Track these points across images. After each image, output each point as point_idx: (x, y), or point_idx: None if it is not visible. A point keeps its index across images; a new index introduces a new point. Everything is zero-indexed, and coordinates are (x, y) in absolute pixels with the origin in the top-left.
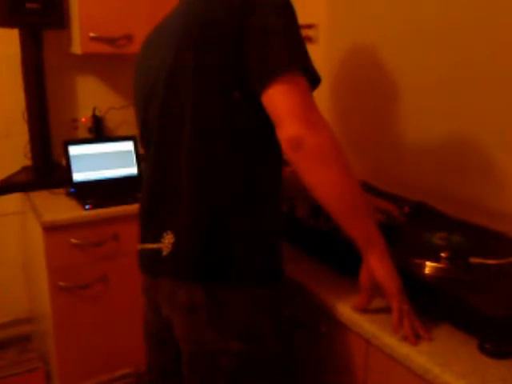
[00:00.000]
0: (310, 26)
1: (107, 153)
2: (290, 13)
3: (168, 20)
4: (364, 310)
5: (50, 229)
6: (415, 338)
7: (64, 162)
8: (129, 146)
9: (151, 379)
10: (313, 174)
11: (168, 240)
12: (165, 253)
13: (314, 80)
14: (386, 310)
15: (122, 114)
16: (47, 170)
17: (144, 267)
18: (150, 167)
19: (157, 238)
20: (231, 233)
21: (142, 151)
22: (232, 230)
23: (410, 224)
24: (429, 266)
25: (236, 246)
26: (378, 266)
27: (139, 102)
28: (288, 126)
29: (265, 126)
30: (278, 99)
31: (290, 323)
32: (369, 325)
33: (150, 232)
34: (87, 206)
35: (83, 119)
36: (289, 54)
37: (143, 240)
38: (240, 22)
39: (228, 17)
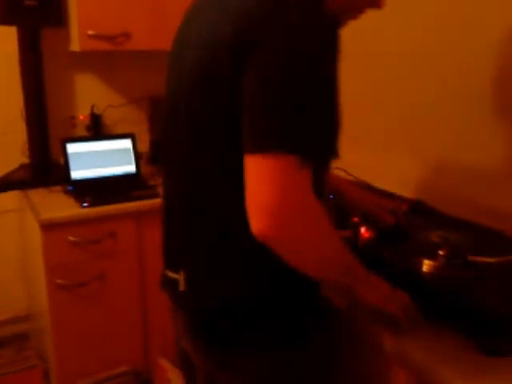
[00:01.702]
0: None
1: (105, 151)
2: (318, 40)
3: (190, 30)
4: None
5: (48, 226)
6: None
7: (62, 160)
8: (127, 143)
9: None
10: (286, 258)
11: (183, 277)
12: (180, 288)
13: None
14: None
15: (121, 111)
16: (45, 167)
17: (166, 291)
18: (163, 185)
19: (175, 268)
20: (236, 297)
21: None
22: (238, 296)
23: (409, 223)
24: (427, 264)
25: (238, 310)
26: (365, 294)
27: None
28: (253, 219)
29: None
30: (253, 176)
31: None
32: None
33: (170, 258)
34: (84, 204)
35: (81, 117)
36: (281, 130)
37: (166, 264)
38: (242, 57)
39: (229, 54)
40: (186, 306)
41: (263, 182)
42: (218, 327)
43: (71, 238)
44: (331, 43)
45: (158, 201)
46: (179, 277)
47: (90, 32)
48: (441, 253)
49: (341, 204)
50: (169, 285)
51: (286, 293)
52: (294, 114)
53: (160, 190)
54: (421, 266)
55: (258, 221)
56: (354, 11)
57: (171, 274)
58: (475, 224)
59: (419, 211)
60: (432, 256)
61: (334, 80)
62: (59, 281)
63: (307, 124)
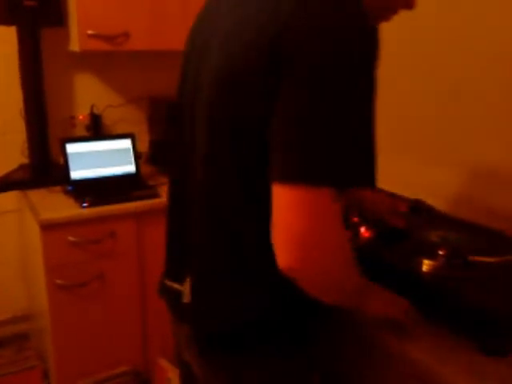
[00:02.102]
0: None
1: (105, 151)
2: (359, 68)
3: (211, 30)
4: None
5: (48, 227)
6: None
7: (61, 160)
8: (127, 143)
9: None
10: (307, 290)
11: (188, 287)
12: (185, 300)
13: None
14: None
15: (120, 111)
16: (45, 167)
17: (167, 303)
18: (170, 190)
19: (179, 278)
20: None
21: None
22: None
23: (408, 222)
24: (427, 264)
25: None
26: (369, 308)
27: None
28: (280, 252)
29: None
30: (280, 208)
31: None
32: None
33: (174, 266)
34: (84, 204)
35: (81, 117)
36: (321, 158)
37: (167, 272)
38: (277, 70)
39: (261, 59)
40: (192, 318)
41: (294, 214)
42: (224, 339)
43: (71, 238)
44: (374, 54)
45: (157, 201)
46: (183, 287)
47: (90, 32)
48: (441, 253)
49: (355, 208)
50: (169, 295)
51: (295, 303)
52: (335, 139)
53: (160, 190)
54: (421, 266)
55: (285, 255)
56: (389, 12)
57: (175, 286)
58: (475, 224)
59: (419, 211)
60: (432, 256)
61: (374, 94)
62: (59, 281)
63: (349, 150)
